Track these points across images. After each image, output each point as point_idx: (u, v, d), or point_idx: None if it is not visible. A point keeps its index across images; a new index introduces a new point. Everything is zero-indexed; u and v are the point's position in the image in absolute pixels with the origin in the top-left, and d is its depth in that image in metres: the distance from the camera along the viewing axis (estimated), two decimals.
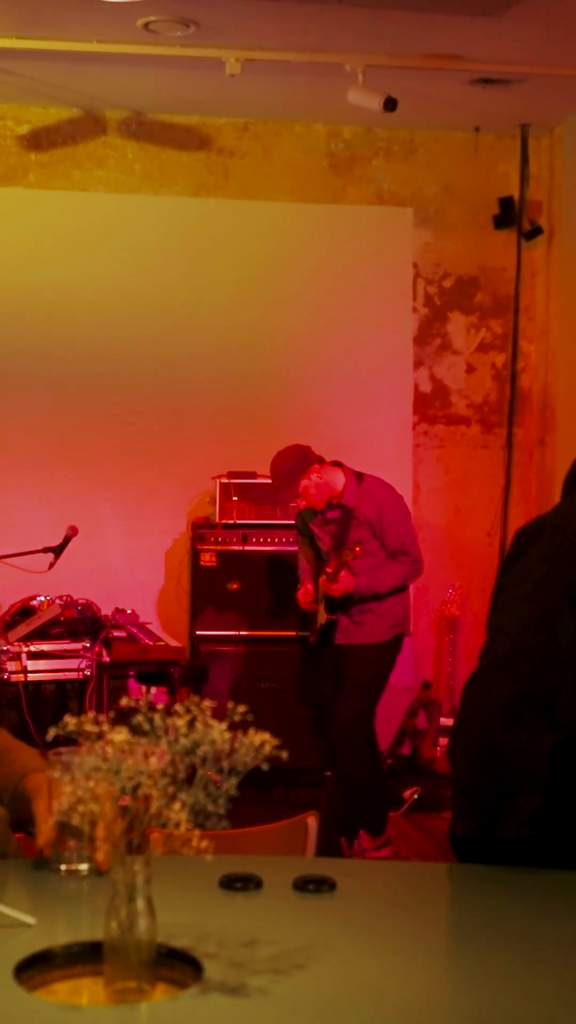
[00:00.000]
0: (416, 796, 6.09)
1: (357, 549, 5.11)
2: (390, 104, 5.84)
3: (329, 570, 5.19)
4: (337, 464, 5.37)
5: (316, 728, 6.21)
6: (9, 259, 6.71)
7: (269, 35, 5.77)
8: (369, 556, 5.22)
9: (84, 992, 1.56)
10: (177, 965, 1.57)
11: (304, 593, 5.52)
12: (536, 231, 7.05)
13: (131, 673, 5.71)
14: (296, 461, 5.29)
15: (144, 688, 1.50)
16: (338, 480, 5.32)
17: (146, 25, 5.61)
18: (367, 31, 5.68)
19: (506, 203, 7.06)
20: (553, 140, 7.07)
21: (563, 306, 6.96)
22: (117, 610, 6.04)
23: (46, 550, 5.61)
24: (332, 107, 6.50)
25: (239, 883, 1.88)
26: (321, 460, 5.31)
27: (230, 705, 1.49)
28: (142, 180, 6.88)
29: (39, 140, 6.76)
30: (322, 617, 5.42)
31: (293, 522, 6.35)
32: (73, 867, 1.89)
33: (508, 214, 7.06)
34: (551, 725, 1.96)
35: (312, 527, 5.51)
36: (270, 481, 5.46)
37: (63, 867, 1.89)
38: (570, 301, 6.89)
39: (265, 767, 1.48)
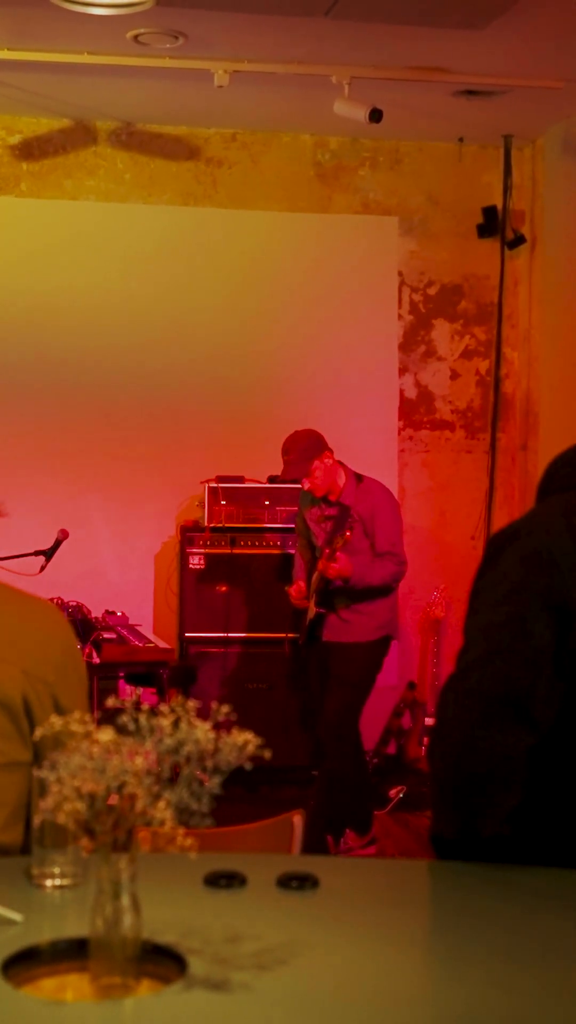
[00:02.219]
0: (401, 795, 6.15)
1: (348, 534, 5.23)
2: (375, 115, 5.88)
3: (327, 551, 5.30)
4: (340, 463, 5.50)
5: (304, 728, 6.28)
6: (1, 267, 6.76)
7: (257, 47, 5.81)
8: (359, 554, 5.32)
9: (70, 988, 1.56)
10: (162, 961, 1.57)
11: (297, 590, 5.62)
12: (519, 240, 7.10)
13: (121, 674, 5.72)
14: (313, 441, 5.41)
15: (132, 689, 1.55)
16: (340, 476, 5.44)
17: (136, 37, 5.64)
18: (353, 44, 5.72)
19: (489, 212, 7.11)
20: (535, 151, 7.13)
21: (545, 314, 7.02)
22: (107, 612, 6.08)
23: (37, 553, 5.62)
24: (319, 118, 6.54)
25: (223, 880, 1.88)
26: (331, 451, 5.45)
27: (214, 705, 1.51)
28: (132, 189, 6.93)
29: (30, 150, 6.82)
30: (312, 612, 5.51)
31: (280, 525, 6.45)
32: (57, 882, 1.86)
33: (491, 223, 7.11)
34: (527, 726, 1.98)
35: (309, 523, 5.61)
36: (281, 456, 5.49)
37: (48, 883, 1.86)
38: (552, 309, 6.95)
39: (248, 766, 1.49)
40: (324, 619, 5.47)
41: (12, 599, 2.24)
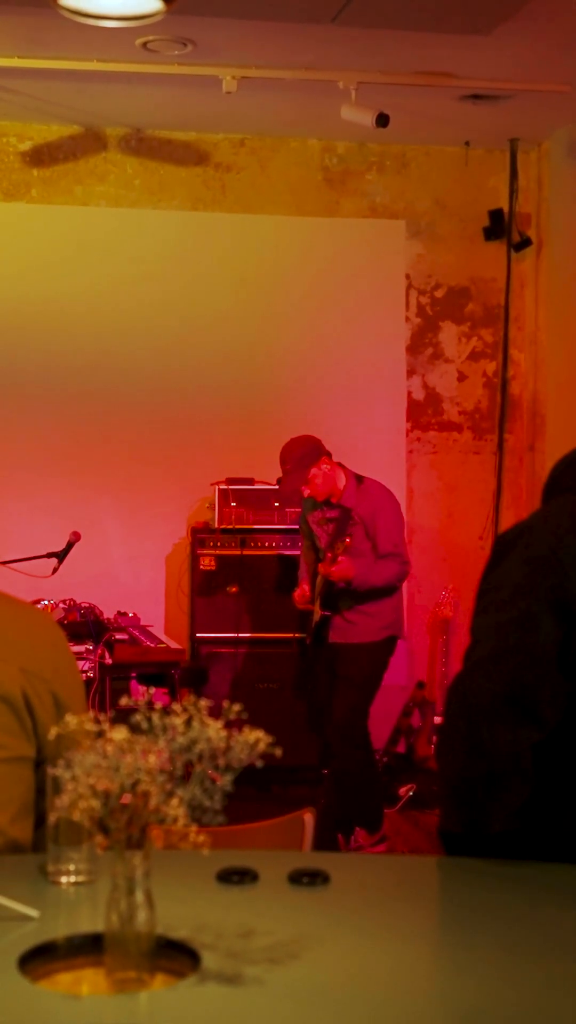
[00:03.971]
0: (411, 793, 6.17)
1: (348, 540, 5.25)
2: (382, 120, 5.89)
3: (329, 555, 5.33)
4: (340, 466, 5.53)
5: (314, 727, 6.32)
6: (13, 272, 6.79)
7: (264, 54, 5.83)
8: (362, 556, 5.35)
9: (85, 982, 1.59)
10: (175, 956, 1.60)
11: (300, 594, 5.66)
12: (525, 243, 7.11)
13: (133, 675, 5.72)
14: (309, 449, 5.43)
15: (145, 689, 1.53)
16: (340, 479, 5.46)
17: (145, 44, 5.66)
18: (359, 49, 5.74)
19: (496, 215, 7.13)
20: (541, 154, 7.14)
21: (552, 315, 7.03)
22: (119, 613, 6.09)
23: (50, 555, 5.65)
24: (326, 123, 6.56)
25: (236, 876, 1.91)
26: (329, 455, 5.48)
27: (226, 704, 1.53)
28: (141, 195, 6.96)
29: (41, 156, 6.85)
30: (317, 614, 5.54)
31: (290, 527, 6.48)
32: (72, 880, 1.89)
33: (498, 226, 7.12)
34: (533, 723, 2.02)
35: (311, 525, 5.64)
36: (280, 466, 5.53)
37: (63, 880, 1.89)
38: (558, 310, 6.96)
39: (259, 764, 1.51)
40: (330, 621, 5.51)
41: (4, 603, 2.31)
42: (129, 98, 6.47)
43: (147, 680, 5.65)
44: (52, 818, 1.82)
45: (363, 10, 5.25)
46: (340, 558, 5.26)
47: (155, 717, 1.51)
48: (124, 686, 5.79)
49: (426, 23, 5.41)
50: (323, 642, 5.54)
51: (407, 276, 7.22)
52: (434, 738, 6.47)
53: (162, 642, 5.82)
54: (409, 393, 7.24)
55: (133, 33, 5.50)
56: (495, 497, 7.25)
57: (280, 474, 5.61)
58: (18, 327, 6.80)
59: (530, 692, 2.02)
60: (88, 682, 5.40)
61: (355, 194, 7.17)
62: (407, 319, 7.23)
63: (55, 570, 5.65)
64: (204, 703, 1.53)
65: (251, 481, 6.63)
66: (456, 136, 7.03)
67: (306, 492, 5.49)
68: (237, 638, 6.49)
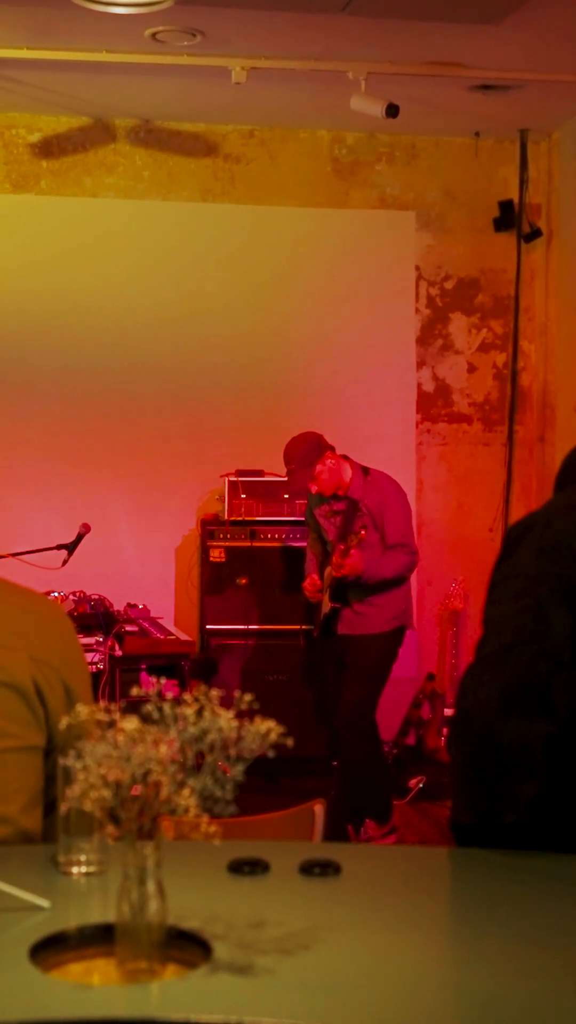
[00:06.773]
0: (421, 785, 6.18)
1: (363, 533, 5.24)
2: (392, 111, 5.90)
3: (341, 547, 5.33)
4: (345, 458, 5.53)
5: (322, 719, 6.32)
6: (22, 264, 6.80)
7: (274, 44, 5.84)
8: (370, 549, 5.35)
9: (97, 972, 1.58)
10: (187, 946, 1.59)
11: (311, 582, 5.65)
12: (535, 233, 7.11)
13: (143, 666, 5.74)
14: (312, 446, 5.42)
15: (155, 680, 1.58)
16: (346, 472, 5.46)
17: (154, 35, 5.67)
18: (369, 40, 5.75)
19: (506, 206, 7.12)
20: (551, 144, 7.13)
21: (562, 306, 7.03)
22: (129, 605, 6.12)
23: (60, 547, 5.65)
24: (335, 114, 6.56)
25: (247, 867, 1.90)
26: (333, 449, 5.48)
27: (237, 694, 1.52)
28: (151, 186, 6.97)
29: (50, 148, 6.86)
30: (326, 606, 5.53)
31: (299, 518, 6.47)
32: (83, 870, 1.89)
33: (508, 217, 7.12)
34: (546, 715, 2.00)
35: (318, 518, 5.63)
36: (284, 466, 5.52)
37: (74, 870, 1.88)
38: (569, 301, 6.96)
39: (271, 754, 1.50)
40: (339, 613, 5.50)
41: (13, 592, 2.31)
42: (138, 89, 6.48)
43: (157, 672, 5.66)
44: (63, 808, 1.82)
45: (373, 0, 5.24)
46: (352, 551, 5.26)
47: (166, 707, 1.51)
48: (134, 678, 5.80)
49: (436, 13, 5.41)
50: (332, 634, 5.54)
51: (417, 267, 7.22)
52: (444, 730, 6.47)
53: (172, 634, 5.84)
54: (419, 385, 7.24)
55: (142, 24, 5.52)
56: (505, 489, 7.25)
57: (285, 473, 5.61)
58: (27, 319, 6.80)
59: (542, 683, 2.00)
60: (98, 674, 5.41)
61: (364, 185, 7.16)
62: (417, 310, 7.23)
63: (65, 562, 5.65)
64: (216, 693, 1.52)
65: (261, 473, 6.63)
66: (466, 126, 7.03)
67: (314, 489, 5.48)
68: (247, 630, 6.49)
